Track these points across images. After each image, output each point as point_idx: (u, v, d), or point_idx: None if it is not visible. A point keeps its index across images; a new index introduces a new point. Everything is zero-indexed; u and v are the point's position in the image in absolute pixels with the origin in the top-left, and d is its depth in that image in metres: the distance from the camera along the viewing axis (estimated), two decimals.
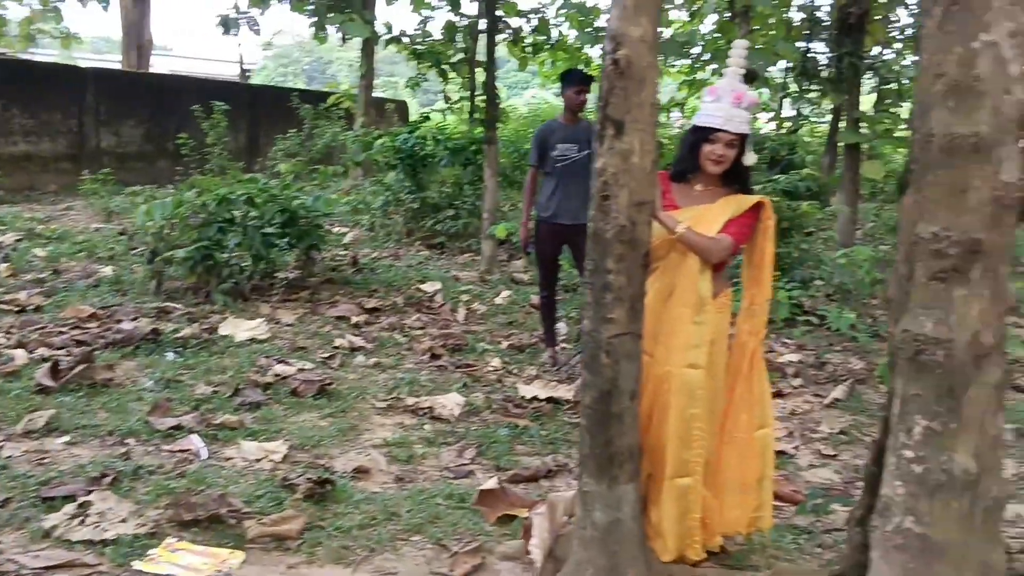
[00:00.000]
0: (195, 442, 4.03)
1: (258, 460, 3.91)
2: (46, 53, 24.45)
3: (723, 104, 3.01)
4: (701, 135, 3.04)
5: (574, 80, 5.71)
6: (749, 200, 3.06)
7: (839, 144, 12.52)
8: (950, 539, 2.43)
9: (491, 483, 3.57)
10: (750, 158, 3.08)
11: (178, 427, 4.19)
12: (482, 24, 10.36)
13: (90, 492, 3.35)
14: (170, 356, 5.32)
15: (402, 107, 19.63)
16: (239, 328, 5.93)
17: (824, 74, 10.54)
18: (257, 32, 17.39)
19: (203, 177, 7.63)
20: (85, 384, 4.68)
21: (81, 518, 3.16)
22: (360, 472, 3.87)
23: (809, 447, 4.65)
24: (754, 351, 3.13)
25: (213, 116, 12.41)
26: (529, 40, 16.65)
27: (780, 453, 4.47)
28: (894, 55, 16.51)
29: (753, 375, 3.13)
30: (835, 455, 4.55)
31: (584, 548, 2.93)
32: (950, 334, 2.36)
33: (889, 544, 2.45)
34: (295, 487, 3.53)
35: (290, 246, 7.36)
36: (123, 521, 3.21)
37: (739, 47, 3.07)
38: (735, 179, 3.11)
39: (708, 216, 3.03)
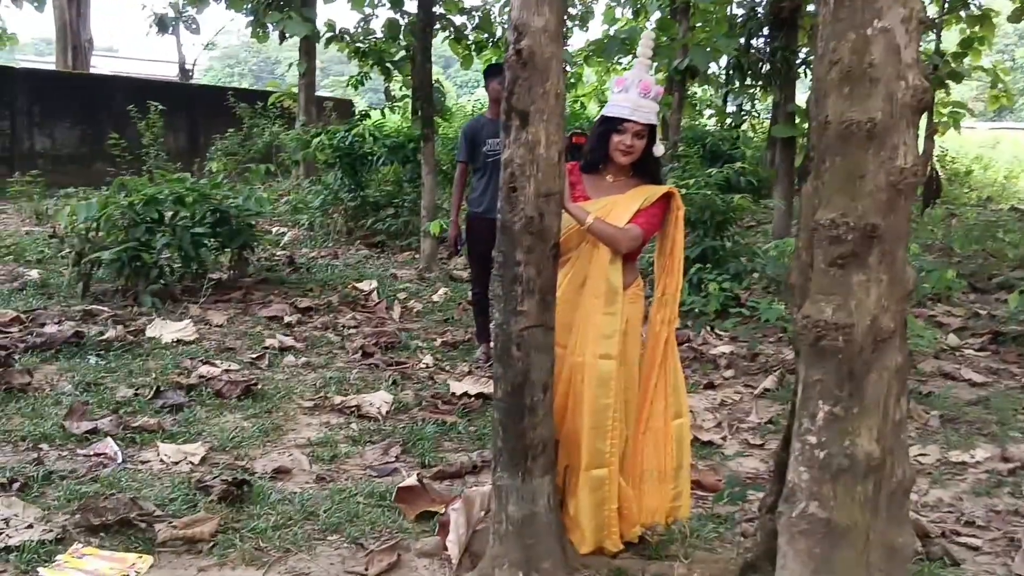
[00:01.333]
0: (110, 446, 3.93)
1: (176, 463, 3.82)
2: None
3: (631, 95, 3.00)
4: (610, 125, 3.03)
5: (495, 72, 5.68)
6: (659, 190, 3.06)
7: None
8: (854, 523, 2.44)
9: (411, 480, 3.53)
10: (659, 149, 3.08)
11: (94, 431, 4.08)
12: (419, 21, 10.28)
13: None
14: (92, 359, 5.19)
15: (346, 105, 19.46)
16: (166, 330, 5.82)
17: (762, 69, 10.66)
18: (196, 32, 17.18)
19: (131, 177, 7.46)
20: (1, 389, 4.55)
21: None
22: (280, 472, 3.80)
23: (736, 437, 4.68)
24: (668, 340, 3.13)
25: (149, 116, 12.17)
26: (472, 38, 16.66)
27: (707, 443, 4.51)
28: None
29: (667, 364, 3.13)
30: (762, 444, 4.58)
31: (500, 542, 2.91)
32: (849, 319, 2.37)
33: (795, 529, 2.46)
34: (210, 489, 3.46)
35: (221, 246, 7.25)
36: (29, 527, 3.12)
37: (646, 38, 3.07)
38: (645, 170, 3.11)
39: (618, 207, 3.02)
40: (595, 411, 2.97)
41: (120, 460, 3.82)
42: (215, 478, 3.56)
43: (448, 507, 3.21)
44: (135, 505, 3.22)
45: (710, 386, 5.48)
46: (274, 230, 10.38)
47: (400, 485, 3.50)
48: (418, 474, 3.64)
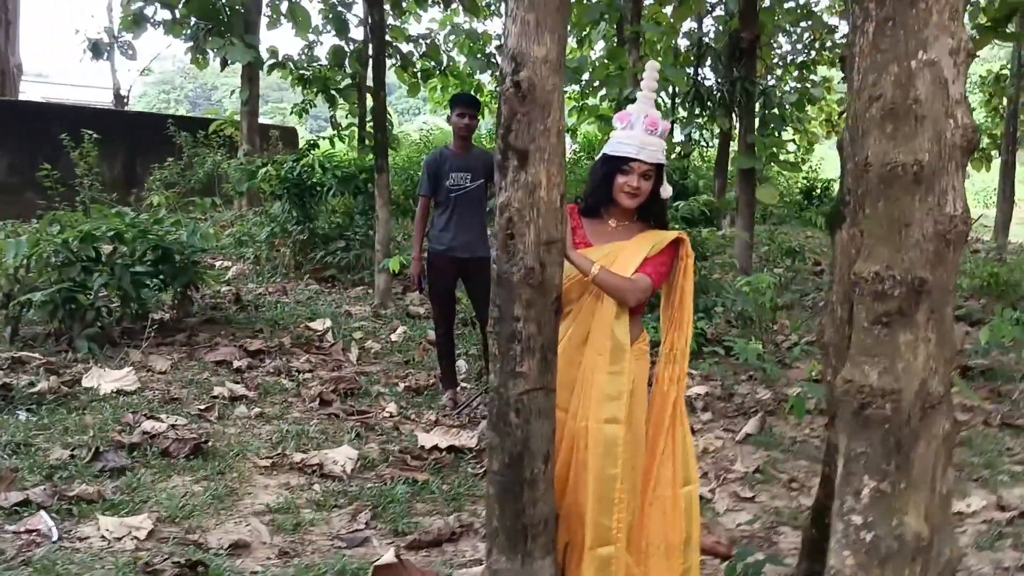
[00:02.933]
0: (44, 520, 3.50)
1: (119, 539, 3.40)
2: None
3: (636, 131, 2.73)
4: (614, 165, 2.75)
5: (458, 103, 5.43)
6: (667, 236, 2.79)
7: (730, 168, 12.63)
8: None
9: (388, 556, 3.18)
10: (666, 190, 2.81)
11: (25, 502, 3.64)
12: (371, 49, 9.98)
13: None
14: (22, 415, 4.72)
15: (290, 134, 19.01)
16: (105, 379, 5.36)
17: (715, 99, 10.56)
18: (132, 57, 16.61)
19: (65, 212, 6.97)
20: None
21: None
22: (238, 547, 3.42)
23: (725, 489, 4.42)
24: (676, 401, 2.84)
25: (83, 145, 11.60)
26: (419, 66, 16.42)
27: (699, 498, 4.23)
28: (775, 81, 16.95)
29: (676, 427, 2.85)
30: (752, 497, 4.33)
31: None
32: (896, 384, 2.12)
33: None
34: (160, 573, 3.07)
35: (164, 285, 6.80)
36: None
37: (651, 69, 2.81)
38: (650, 213, 2.84)
39: (624, 254, 2.74)
40: (600, 482, 2.67)
41: (55, 537, 3.39)
42: (165, 560, 3.16)
43: None
44: None
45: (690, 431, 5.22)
46: (217, 264, 9.91)
47: (376, 564, 3.14)
48: (395, 549, 3.29)
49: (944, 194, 2.11)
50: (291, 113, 16.64)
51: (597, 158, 2.88)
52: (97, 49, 14.38)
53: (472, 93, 14.58)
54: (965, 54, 2.13)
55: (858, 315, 2.19)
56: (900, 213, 2.13)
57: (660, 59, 14.53)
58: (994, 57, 21.88)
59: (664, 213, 2.89)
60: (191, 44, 12.99)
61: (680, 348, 2.84)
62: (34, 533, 3.41)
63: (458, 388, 5.64)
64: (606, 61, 13.68)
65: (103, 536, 3.43)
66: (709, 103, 9.86)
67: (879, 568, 2.15)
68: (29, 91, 24.90)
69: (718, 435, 5.21)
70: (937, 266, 2.12)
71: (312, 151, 10.41)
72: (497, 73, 16.66)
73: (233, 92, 15.48)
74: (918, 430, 2.16)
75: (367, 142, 13.38)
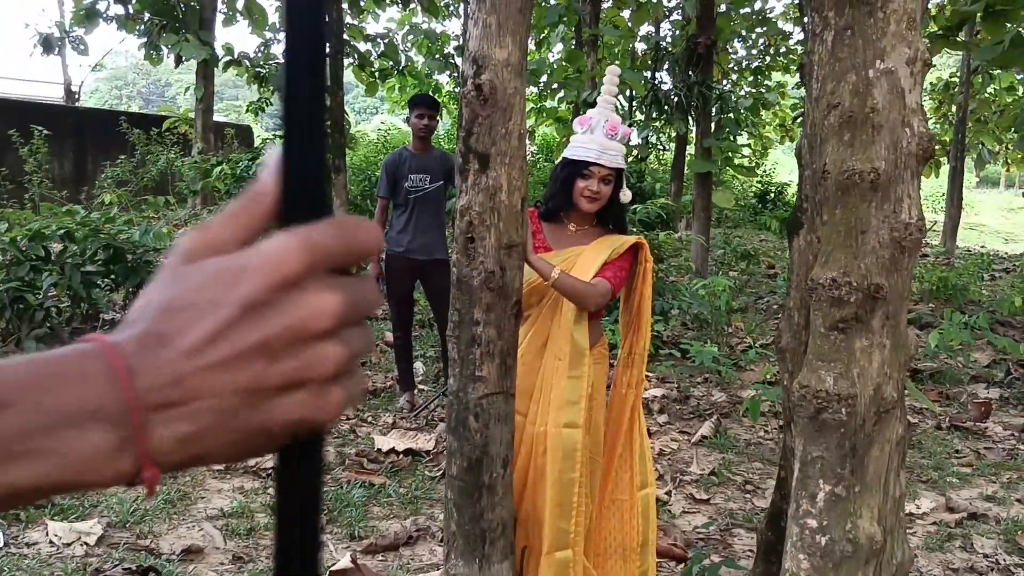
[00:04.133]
0: None
1: (68, 545, 3.33)
2: None
3: (597, 135, 2.73)
4: (574, 170, 2.75)
5: (417, 104, 5.40)
6: (626, 240, 2.80)
7: (686, 172, 12.75)
8: None
9: (344, 561, 3.15)
10: (626, 195, 2.82)
11: None
12: (327, 47, 9.92)
13: None
14: None
15: (245, 132, 18.80)
16: None
17: (671, 102, 10.65)
18: (84, 53, 16.32)
19: (13, 210, 6.82)
20: None
21: None
22: (191, 553, 3.36)
23: (681, 491, 4.45)
24: (634, 405, 2.86)
25: (32, 142, 11.35)
26: (377, 65, 16.33)
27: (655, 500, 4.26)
28: (731, 86, 17.14)
29: (634, 431, 2.86)
30: (708, 499, 4.36)
31: None
32: (852, 389, 2.15)
33: None
34: None
35: (115, 285, 6.67)
36: None
37: (611, 73, 2.81)
38: (610, 217, 2.85)
39: (583, 258, 2.74)
40: (559, 487, 2.67)
41: (1, 544, 3.30)
42: (116, 566, 3.10)
43: None
44: None
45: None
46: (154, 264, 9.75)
47: (333, 569, 3.11)
48: (352, 553, 3.26)
49: (900, 201, 2.14)
50: (247, 111, 16.46)
51: (557, 162, 2.88)
52: (48, 44, 14.12)
53: (431, 94, 14.53)
54: (922, 63, 2.17)
55: (815, 321, 2.22)
56: (857, 220, 2.16)
57: (618, 63, 14.63)
58: (944, 65, 22.37)
59: (623, 217, 2.89)
60: (145, 40, 12.80)
61: (638, 352, 2.85)
62: None
63: (415, 390, 5.61)
64: (564, 64, 13.73)
65: (51, 542, 3.35)
66: (666, 107, 9.95)
67: (834, 571, 2.18)
68: None
69: (674, 437, 5.24)
70: (893, 272, 2.15)
71: (268, 150, 10.31)
72: (455, 74, 16.65)
73: (188, 89, 15.27)
74: (872, 435, 2.19)
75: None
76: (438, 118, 5.49)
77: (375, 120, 38.07)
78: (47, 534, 3.41)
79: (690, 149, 12.73)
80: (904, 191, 2.15)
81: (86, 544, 3.35)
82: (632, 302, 2.87)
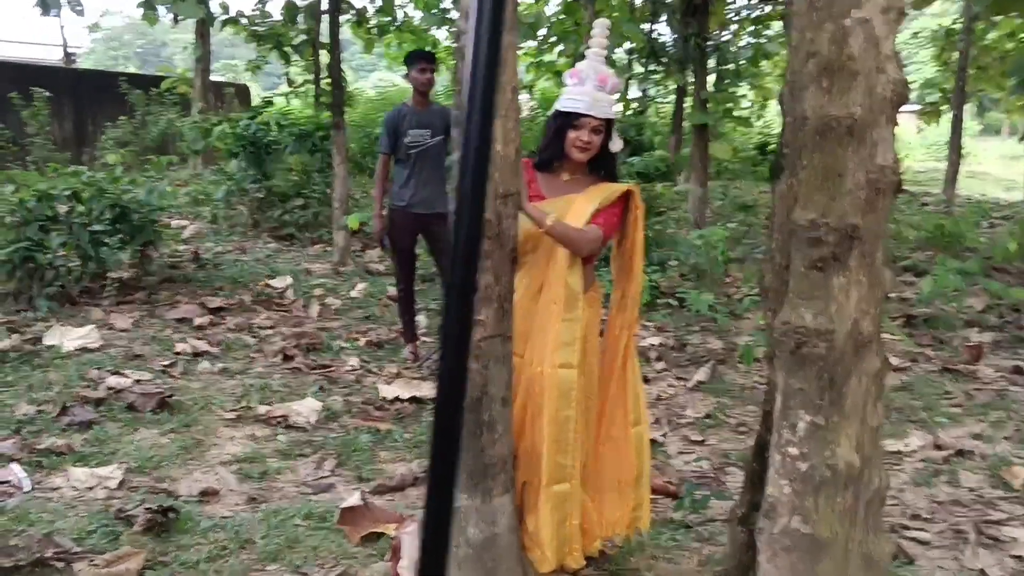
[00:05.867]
0: (15, 472, 3.57)
1: (90, 488, 3.50)
2: None
3: (587, 88, 2.83)
4: (565, 121, 2.85)
5: (416, 58, 5.47)
6: (617, 188, 2.91)
7: (684, 124, 12.76)
8: (835, 535, 2.35)
9: (354, 499, 3.31)
10: (616, 144, 2.92)
11: None
12: (325, 4, 9.90)
13: None
14: None
15: (243, 91, 18.77)
16: (67, 337, 5.39)
17: (669, 55, 10.66)
18: (80, 13, 16.26)
19: (21, 171, 6.91)
20: None
21: None
22: (207, 495, 3.52)
23: (677, 433, 4.60)
24: (627, 346, 2.99)
25: (34, 104, 11.40)
26: (374, 21, 16.24)
27: (651, 442, 4.41)
28: (731, 36, 17.04)
29: (627, 371, 3.00)
30: (702, 440, 4.52)
31: (458, 567, 2.72)
32: (830, 324, 2.27)
33: (777, 546, 2.35)
34: (132, 519, 3.16)
35: (122, 244, 6.79)
36: None
37: (600, 26, 2.90)
38: (601, 166, 2.95)
39: (576, 206, 2.85)
40: (556, 424, 2.81)
41: (27, 488, 3.47)
42: (137, 506, 3.26)
43: (399, 530, 3.01)
44: (50, 542, 2.92)
45: (643, 380, 5.39)
46: (174, 223, 9.86)
47: (343, 506, 3.27)
48: (362, 493, 3.41)
49: (875, 145, 2.24)
50: (245, 70, 16.42)
51: (550, 114, 2.98)
52: (45, 4, 14.04)
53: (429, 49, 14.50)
54: (897, 12, 2.26)
55: (795, 260, 2.33)
56: (834, 164, 2.26)
57: (615, 15, 14.55)
58: (945, 12, 22.16)
59: (614, 166, 3.00)
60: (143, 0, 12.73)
61: (631, 296, 2.97)
62: (6, 484, 3.48)
63: (418, 342, 5.75)
64: (562, 17, 13.68)
65: (74, 486, 3.51)
66: (664, 59, 9.96)
67: (813, 495, 2.32)
68: None
69: (670, 383, 5.39)
70: (868, 213, 2.26)
71: (267, 108, 10.35)
72: (453, 28, 16.55)
73: (185, 49, 15.23)
74: (850, 367, 2.31)
75: (322, 99, 13.29)
76: (437, 73, 5.56)
77: (373, 77, 37.85)
78: (69, 479, 3.57)
79: (689, 101, 12.74)
80: (880, 135, 2.25)
81: (107, 488, 3.51)
82: (624, 247, 2.99)
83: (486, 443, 2.68)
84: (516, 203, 2.63)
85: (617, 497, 3.01)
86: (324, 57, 14.27)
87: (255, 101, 17.93)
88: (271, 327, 6.16)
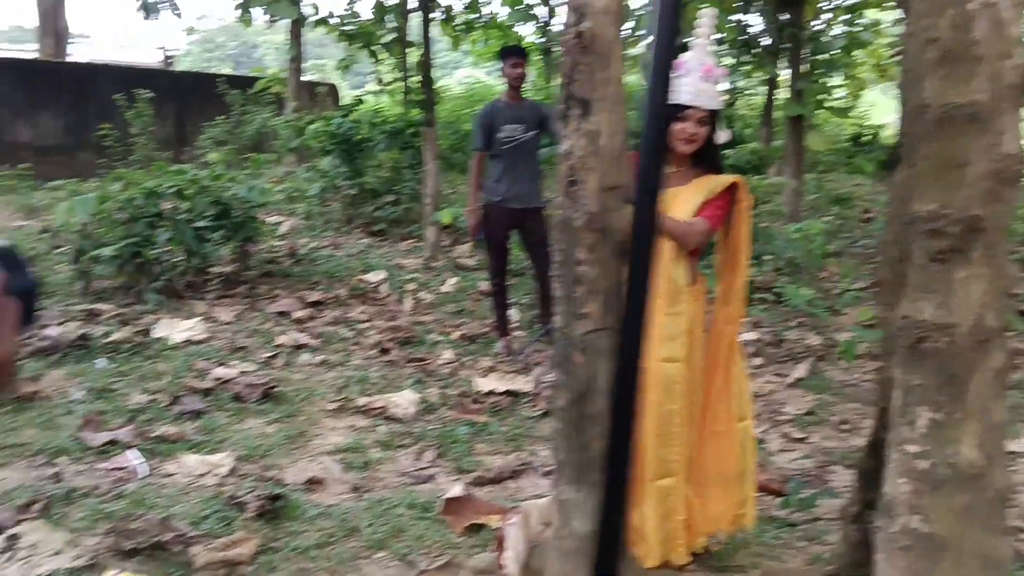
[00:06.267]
0: (132, 458, 3.72)
1: (202, 475, 3.62)
2: None
3: (692, 78, 2.80)
4: (670, 113, 2.82)
5: (509, 54, 5.52)
6: (723, 180, 2.87)
7: (777, 115, 12.51)
8: (954, 535, 2.28)
9: (456, 490, 3.35)
10: (722, 135, 2.89)
11: (112, 442, 3.87)
12: (413, 3, 10.02)
13: (19, 523, 3.04)
14: (101, 363, 4.96)
15: (333, 90, 19.13)
16: (174, 329, 5.59)
17: (762, 45, 10.46)
18: (179, 16, 16.81)
19: (128, 170, 7.19)
20: (9, 398, 4.32)
21: (10, 553, 2.85)
22: (313, 483, 3.61)
23: (777, 430, 4.52)
24: (731, 340, 2.95)
25: (137, 105, 11.84)
26: (461, 19, 16.36)
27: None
28: (824, 25, 16.63)
29: (731, 365, 2.96)
30: (804, 438, 4.43)
31: (563, 560, 2.73)
32: (952, 319, 2.20)
33: (895, 545, 2.29)
34: (244, 505, 3.26)
35: (224, 239, 7.00)
36: (57, 553, 2.91)
37: (706, 16, 2.87)
38: (706, 158, 2.92)
39: (681, 199, 2.83)
40: (660, 418, 2.80)
41: (144, 473, 3.61)
42: (247, 493, 3.36)
43: (503, 521, 3.03)
44: (167, 526, 3.03)
45: None
46: (270, 220, 10.11)
47: (446, 497, 3.32)
48: (464, 484, 3.45)
49: (1000, 134, 2.16)
50: (336, 68, 16.72)
51: None
52: (148, 9, 14.54)
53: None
54: None
55: (914, 253, 2.27)
56: (956, 153, 2.18)
57: (707, 5, 14.35)
58: None
59: (719, 158, 2.96)
60: (240, 2, 13.08)
61: (736, 290, 2.94)
62: (123, 470, 3.63)
63: (511, 336, 5.78)
64: (650, 10, 13.54)
65: (186, 473, 3.64)
66: (756, 50, 9.77)
67: (933, 494, 2.25)
68: (76, 52, 25.23)
69: (769, 379, 5.30)
70: (992, 204, 2.18)
71: (358, 107, 10.52)
72: (539, 24, 16.55)
73: (276, 49, 15.56)
74: (973, 363, 2.24)
75: (410, 96, 13.45)
76: (528, 68, 5.59)
77: (457, 74, 38.10)
78: (181, 466, 3.71)
79: (780, 92, 12.47)
80: (1005, 123, 2.17)
81: (218, 475, 3.63)
82: (730, 240, 2.95)
83: (591, 437, 2.68)
84: (622, 196, 2.62)
85: (721, 492, 2.98)
86: (413, 55, 14.48)
87: (343, 100, 18.24)
88: (367, 320, 6.27)
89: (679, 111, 2.81)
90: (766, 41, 9.86)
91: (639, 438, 2.86)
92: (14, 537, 2.93)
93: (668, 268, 2.81)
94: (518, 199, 5.42)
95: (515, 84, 5.47)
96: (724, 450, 2.97)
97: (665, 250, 2.80)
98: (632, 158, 2.90)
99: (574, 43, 2.55)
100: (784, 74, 10.26)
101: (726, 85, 13.56)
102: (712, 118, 2.85)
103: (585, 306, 2.64)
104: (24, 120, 13.42)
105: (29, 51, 22.02)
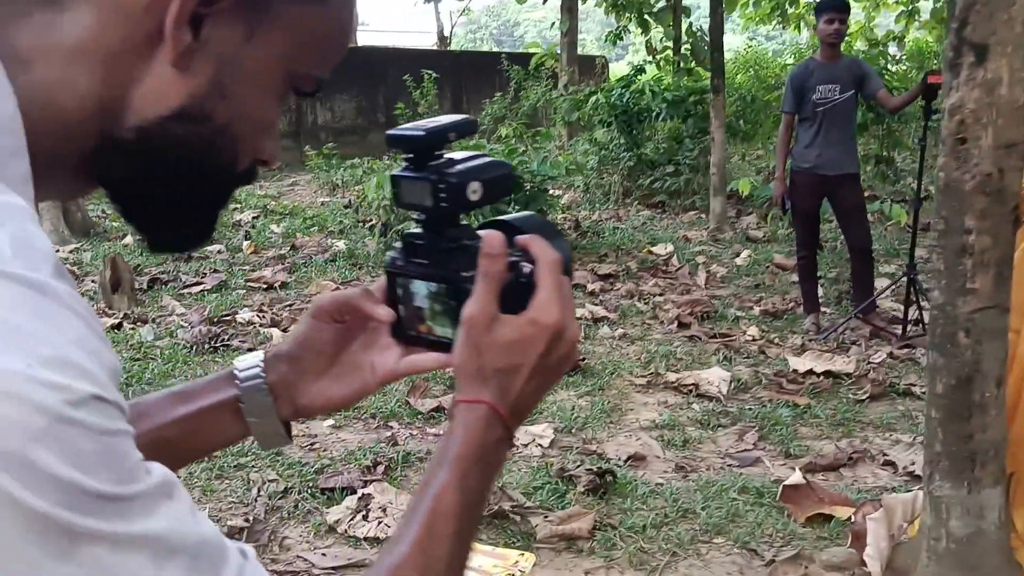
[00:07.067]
0: None
1: (525, 445, 3.65)
2: None
3: None
4: None
5: (825, 8, 5.08)
6: None
7: None
8: None
9: (796, 477, 3.14)
10: None
11: (438, 408, 4.01)
12: None
13: (367, 483, 3.20)
14: None
15: (603, 63, 19.14)
16: None
17: None
18: None
19: None
20: None
21: (363, 512, 3.00)
22: (636, 459, 3.53)
23: None
24: None
25: (423, 84, 12.39)
26: None
27: None
28: None
29: None
30: None
31: (936, 562, 2.46)
32: None
33: None
34: (575, 479, 3.24)
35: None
36: None
37: None
38: None
39: None
40: None
41: None
42: (577, 466, 3.34)
43: (856, 514, 2.80)
44: (506, 495, 3.06)
45: None
46: (549, 192, 10.23)
47: (786, 483, 3.12)
48: (803, 471, 3.24)
49: None
50: (606, 40, 16.67)
51: None
52: None
53: None
54: None
55: None
56: None
57: None
58: None
59: None
60: None
61: None
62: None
63: (820, 312, 5.42)
64: None
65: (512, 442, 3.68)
66: None
67: None
68: (358, 38, 26.94)
69: None
70: None
71: (638, 76, 10.37)
72: None
73: (536, 25, 15.73)
74: None
75: (681, 65, 13.10)
76: (848, 22, 5.16)
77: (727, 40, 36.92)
78: None
79: None
80: None
81: (540, 446, 3.65)
82: None
83: (975, 427, 2.38)
84: (1020, 154, 2.29)
85: None
86: (685, 23, 14.11)
87: (612, 73, 18.19)
88: (660, 294, 6.13)
89: None
90: None
91: (1020, 430, 2.53)
92: (365, 498, 3.07)
93: None
94: (831, 165, 5.06)
95: (829, 41, 5.09)
96: None
97: None
98: None
99: None
100: None
101: None
102: None
103: (972, 280, 2.34)
104: (322, 104, 14.48)
105: None
